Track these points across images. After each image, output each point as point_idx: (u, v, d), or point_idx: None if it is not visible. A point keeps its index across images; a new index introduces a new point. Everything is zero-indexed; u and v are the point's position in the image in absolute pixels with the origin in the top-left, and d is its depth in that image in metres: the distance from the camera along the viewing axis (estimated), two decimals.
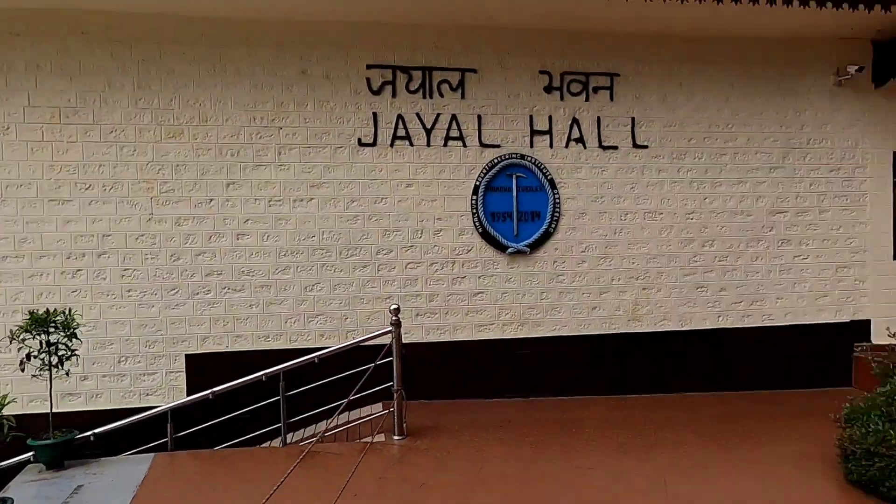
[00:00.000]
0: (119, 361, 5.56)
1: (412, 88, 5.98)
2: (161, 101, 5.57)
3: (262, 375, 4.96)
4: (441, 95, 6.03)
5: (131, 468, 4.46)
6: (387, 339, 5.01)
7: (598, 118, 6.31)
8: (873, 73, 6.63)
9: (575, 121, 6.27)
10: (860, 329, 6.77)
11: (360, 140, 5.89)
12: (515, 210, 6.17)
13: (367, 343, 5.20)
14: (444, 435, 5.01)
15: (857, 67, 6.44)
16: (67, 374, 4.57)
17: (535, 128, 6.20)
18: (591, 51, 6.23)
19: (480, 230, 6.08)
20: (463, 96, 6.07)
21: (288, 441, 5.19)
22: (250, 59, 5.69)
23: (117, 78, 5.50)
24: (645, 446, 4.69)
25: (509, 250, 6.11)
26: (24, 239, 5.41)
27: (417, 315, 6.02)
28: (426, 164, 6.03)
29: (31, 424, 4.59)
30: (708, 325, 6.53)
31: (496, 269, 6.17)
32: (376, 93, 5.91)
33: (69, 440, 4.55)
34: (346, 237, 5.90)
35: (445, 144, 6.05)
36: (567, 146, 6.27)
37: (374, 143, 5.91)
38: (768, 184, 6.61)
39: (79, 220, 5.47)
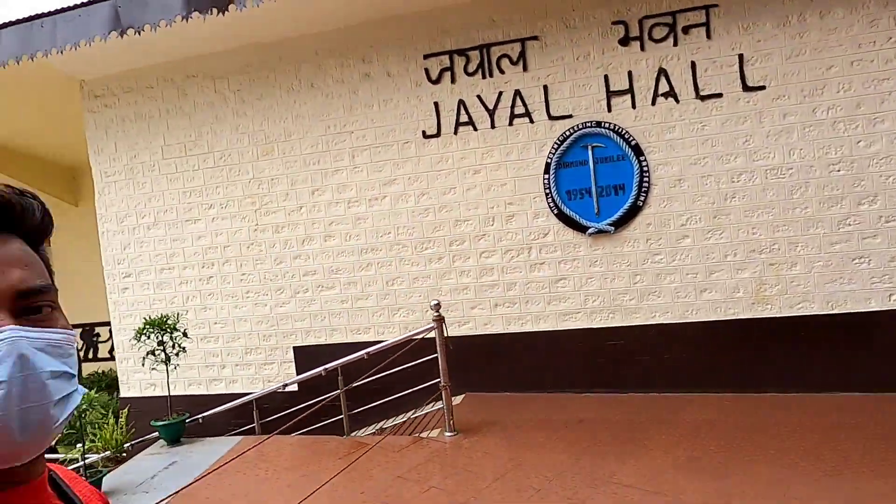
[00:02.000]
0: (245, 353, 6.07)
1: (470, 70, 5.28)
2: (254, 124, 5.83)
3: (321, 370, 4.94)
4: (501, 72, 5.23)
5: (221, 447, 4.82)
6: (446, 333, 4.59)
7: (693, 63, 4.84)
8: None
9: (662, 72, 4.91)
10: None
11: (424, 132, 5.42)
12: (594, 185, 5.09)
13: (423, 337, 4.82)
14: (499, 433, 4.36)
15: None
16: (175, 367, 5.13)
17: (611, 89, 5.01)
18: None
19: (556, 211, 5.16)
20: (525, 68, 5.18)
21: (363, 432, 5.13)
22: (320, 71, 5.61)
23: (221, 110, 5.90)
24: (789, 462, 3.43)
25: (590, 231, 5.09)
26: (172, 254, 6.19)
27: (496, 306, 5.39)
28: (492, 148, 5.31)
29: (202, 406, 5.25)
30: (873, 307, 4.65)
31: (578, 253, 5.20)
32: (435, 82, 5.37)
33: (181, 422, 5.12)
34: (420, 231, 5.52)
35: (511, 123, 5.24)
36: (654, 104, 4.94)
37: (437, 134, 5.39)
38: None
39: (206, 235, 6.06)
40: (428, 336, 4.66)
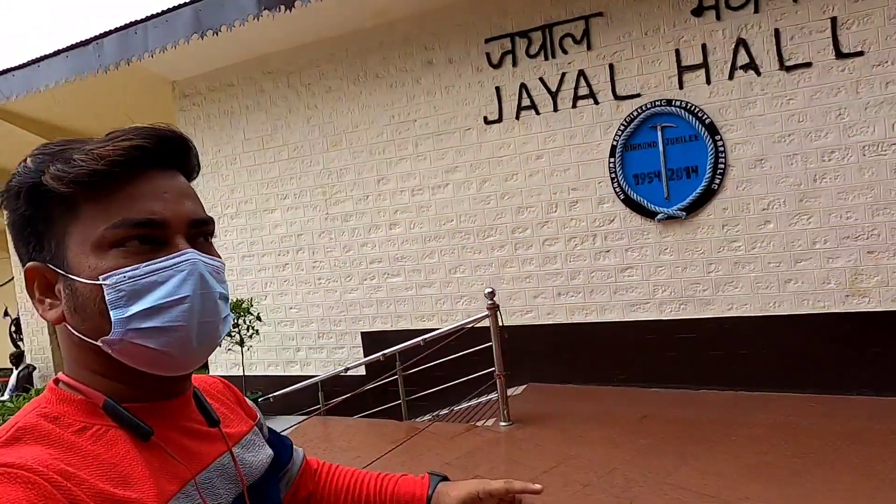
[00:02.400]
0: (318, 336, 6.24)
1: (532, 52, 5.05)
2: (323, 116, 5.94)
3: (380, 356, 4.95)
4: (564, 52, 4.96)
5: (285, 425, 4.99)
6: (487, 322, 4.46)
7: (776, 31, 4.33)
8: None
9: (741, 42, 4.43)
10: None
11: (486, 118, 5.26)
12: (664, 168, 4.71)
13: (480, 325, 4.70)
14: (555, 425, 4.13)
15: None
16: (248, 349, 5.37)
17: (683, 64, 4.60)
18: None
19: (622, 196, 4.84)
20: (589, 47, 4.88)
21: (422, 418, 5.10)
22: (384, 62, 5.61)
23: (294, 103, 6.07)
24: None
25: (659, 216, 4.72)
26: (252, 242, 6.48)
27: (559, 294, 5.16)
28: (555, 132, 5.07)
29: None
30: None
31: (646, 240, 4.85)
32: (497, 66, 5.19)
33: (253, 400, 5.36)
34: (482, 219, 5.38)
35: (574, 105, 4.97)
36: (731, 77, 4.48)
37: (499, 119, 5.22)
38: None
39: (281, 224, 6.27)
40: (486, 325, 4.54)
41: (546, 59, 4.95)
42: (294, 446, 0.95)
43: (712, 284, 4.58)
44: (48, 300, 0.62)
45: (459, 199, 5.37)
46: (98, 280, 0.60)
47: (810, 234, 4.29)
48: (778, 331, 4.40)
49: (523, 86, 5.04)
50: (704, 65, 4.47)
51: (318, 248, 6.02)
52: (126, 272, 0.60)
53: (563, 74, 4.90)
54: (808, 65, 4.20)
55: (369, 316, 5.86)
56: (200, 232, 0.68)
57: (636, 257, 4.80)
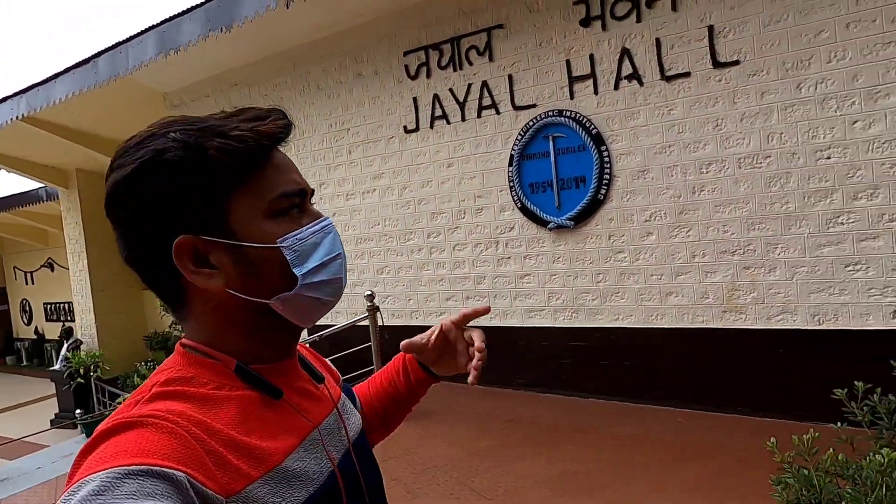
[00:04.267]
0: None
1: (443, 64, 5.18)
2: None
3: None
4: (470, 63, 5.05)
5: None
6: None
7: (657, 40, 4.21)
8: None
9: (625, 52, 4.35)
10: None
11: (405, 127, 5.45)
12: (555, 177, 4.70)
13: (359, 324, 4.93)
14: (417, 422, 4.33)
15: None
16: None
17: (573, 74, 4.57)
18: None
19: (519, 205, 4.87)
20: (491, 58, 4.94)
21: None
22: (323, 73, 5.93)
23: None
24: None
25: (550, 225, 4.72)
26: None
27: (468, 298, 5.29)
28: (463, 141, 5.18)
29: None
30: (871, 324, 3.68)
31: (541, 248, 4.86)
32: (414, 77, 5.36)
33: None
34: (403, 223, 5.59)
35: (479, 115, 5.05)
36: (617, 88, 4.40)
37: (416, 129, 5.39)
38: None
39: None
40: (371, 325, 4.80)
41: (455, 70, 5.08)
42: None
43: (600, 294, 4.57)
44: (205, 269, 0.64)
45: (385, 204, 5.63)
46: (276, 243, 0.65)
47: (689, 247, 4.19)
48: (660, 343, 4.35)
49: (436, 96, 5.20)
50: (592, 75, 4.45)
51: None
52: (296, 235, 0.66)
53: (469, 85, 5.02)
54: (687, 74, 4.09)
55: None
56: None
57: (533, 265, 4.87)
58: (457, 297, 5.26)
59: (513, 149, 4.81)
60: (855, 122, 3.60)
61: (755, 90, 3.87)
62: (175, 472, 0.52)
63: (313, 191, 0.74)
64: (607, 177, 4.42)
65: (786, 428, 1.81)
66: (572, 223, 4.57)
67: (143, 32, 6.09)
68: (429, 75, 5.22)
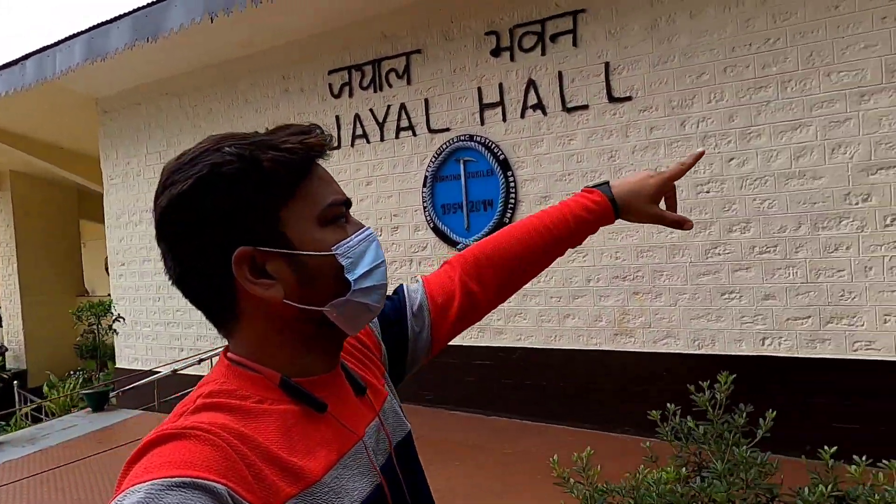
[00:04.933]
0: (196, 339, 6.68)
1: (364, 85, 5.30)
2: (205, 135, 6.39)
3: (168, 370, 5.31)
4: (390, 86, 5.18)
5: (117, 418, 5.43)
6: None
7: (560, 73, 4.41)
8: None
9: (531, 83, 4.53)
10: None
11: None
12: (465, 200, 4.84)
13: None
14: None
15: None
16: (145, 346, 5.83)
17: (484, 101, 4.74)
18: None
19: (432, 225, 4.99)
20: (409, 82, 5.08)
21: None
22: (252, 88, 5.98)
23: (183, 123, 6.51)
24: None
25: (459, 246, 4.85)
26: (151, 248, 6.99)
27: None
28: (382, 160, 5.29)
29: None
30: (744, 350, 3.90)
31: None
32: (337, 96, 5.47)
33: (103, 392, 5.81)
34: None
35: (397, 136, 5.18)
36: (523, 116, 4.59)
37: (338, 146, 5.50)
38: (858, 122, 3.51)
39: None
40: None
41: (375, 91, 5.19)
42: (409, 292, 0.94)
43: (504, 314, 4.70)
44: (264, 280, 0.65)
45: None
46: (331, 251, 0.67)
47: (585, 271, 4.35)
48: (558, 364, 4.48)
49: (357, 116, 5.30)
50: (501, 103, 4.61)
51: None
52: (348, 243, 0.68)
53: (389, 106, 5.13)
54: (586, 107, 4.28)
55: None
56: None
57: None
58: None
59: (427, 170, 4.93)
60: (731, 159, 3.83)
61: (645, 125, 4.08)
62: (216, 484, 0.53)
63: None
64: (513, 201, 4.57)
65: (667, 449, 1.95)
66: None
67: (71, 38, 6.04)
68: (351, 95, 5.32)
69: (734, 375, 2.07)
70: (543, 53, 4.40)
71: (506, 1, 4.50)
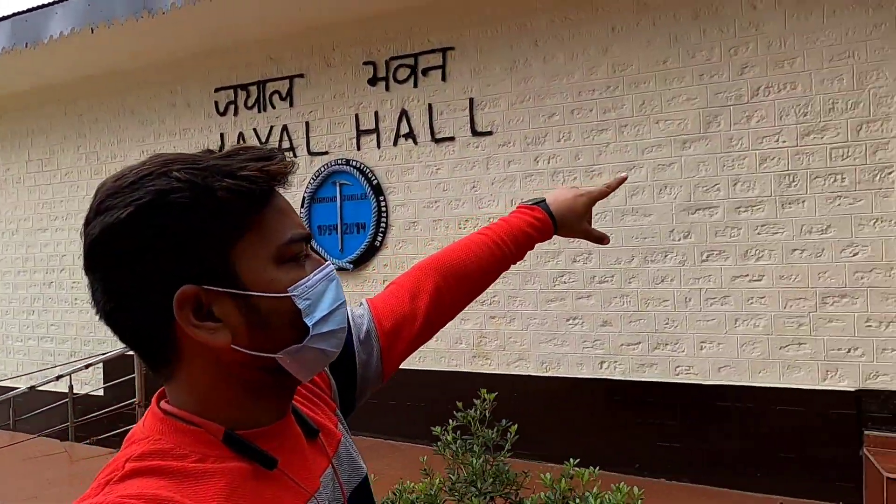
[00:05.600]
0: (71, 355, 6.42)
1: (249, 105, 5.35)
2: (90, 145, 6.18)
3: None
4: (273, 107, 5.26)
5: None
6: None
7: (430, 106, 4.63)
8: None
9: (403, 113, 4.73)
10: (885, 405, 3.43)
11: None
12: (339, 222, 4.96)
13: None
14: None
15: None
16: (15, 363, 5.53)
17: (361, 128, 4.90)
18: (421, 26, 4.62)
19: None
20: (291, 104, 5.18)
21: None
22: (137, 100, 5.89)
23: (67, 131, 6.30)
24: None
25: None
26: (27, 258, 6.68)
27: None
28: None
29: None
30: (584, 374, 4.17)
31: None
32: (223, 114, 5.49)
33: None
34: None
35: None
36: (395, 144, 4.77)
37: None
38: (680, 166, 3.89)
39: (50, 243, 6.39)
40: None
41: (259, 111, 5.24)
42: (354, 318, 0.87)
43: None
44: (209, 324, 0.58)
45: None
46: (287, 293, 0.60)
47: None
48: (421, 384, 4.59)
49: (241, 134, 5.32)
50: (376, 130, 4.76)
51: (77, 269, 6.22)
52: (306, 283, 0.61)
53: (272, 127, 5.19)
54: (452, 139, 4.49)
55: (111, 339, 6.03)
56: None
57: None
58: None
59: (305, 191, 5.01)
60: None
61: (504, 159, 4.32)
62: None
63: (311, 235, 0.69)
64: (384, 225, 4.70)
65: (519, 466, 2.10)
66: (352, 266, 4.80)
67: None
68: (236, 113, 5.35)
69: (496, 393, 2.24)
70: (416, 86, 4.60)
71: (383, 33, 4.68)
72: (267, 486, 0.60)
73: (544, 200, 1.07)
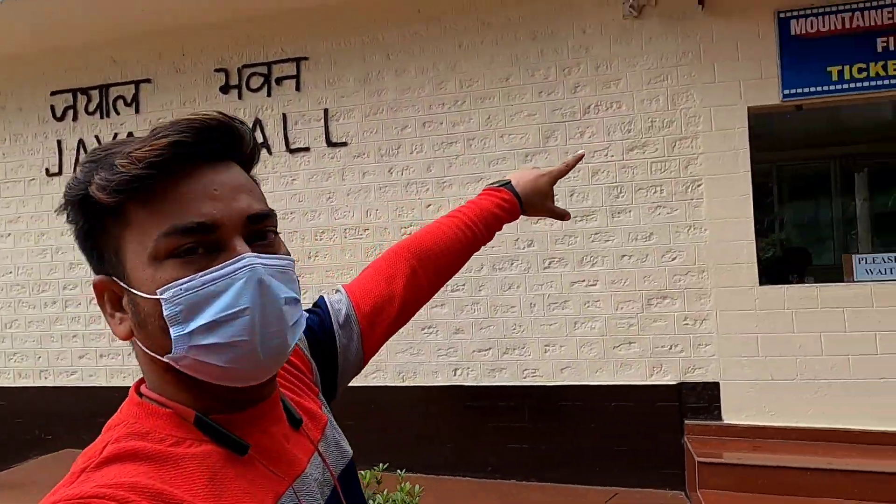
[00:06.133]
0: None
1: (90, 110, 4.98)
2: None
3: None
4: (117, 113, 4.94)
5: None
6: None
7: (284, 115, 4.56)
8: None
9: (258, 122, 4.62)
10: (700, 396, 3.78)
11: (48, 170, 5.07)
12: None
13: None
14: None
15: None
16: None
17: None
18: (275, 34, 4.56)
19: None
20: (138, 111, 4.89)
21: None
22: None
23: None
24: None
25: None
26: None
27: (101, 356, 4.97)
28: None
29: None
30: (439, 381, 4.25)
31: None
32: (60, 119, 5.07)
33: None
34: (38, 272, 5.11)
35: None
36: None
37: (60, 173, 5.03)
38: None
39: None
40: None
41: (102, 117, 4.89)
42: (332, 303, 0.87)
43: None
44: (118, 314, 0.58)
45: (20, 251, 5.09)
46: (156, 294, 0.54)
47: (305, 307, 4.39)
48: None
49: (81, 141, 4.93)
50: None
51: None
52: (182, 284, 0.54)
53: (116, 135, 4.85)
54: (308, 149, 4.42)
55: None
56: (261, 228, 0.60)
57: None
58: (90, 356, 4.87)
59: None
60: (429, 205, 4.18)
61: (359, 170, 4.32)
62: None
63: (262, 213, 0.60)
64: None
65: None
66: None
67: None
68: (76, 118, 4.96)
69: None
70: (269, 95, 4.50)
71: (235, 41, 4.55)
72: (244, 472, 0.58)
73: (510, 182, 1.09)
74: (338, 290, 0.91)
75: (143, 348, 0.58)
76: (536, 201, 1.10)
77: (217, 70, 4.61)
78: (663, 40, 3.80)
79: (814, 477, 3.12)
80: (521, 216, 1.11)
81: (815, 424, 3.50)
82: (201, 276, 0.55)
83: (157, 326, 0.55)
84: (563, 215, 1.17)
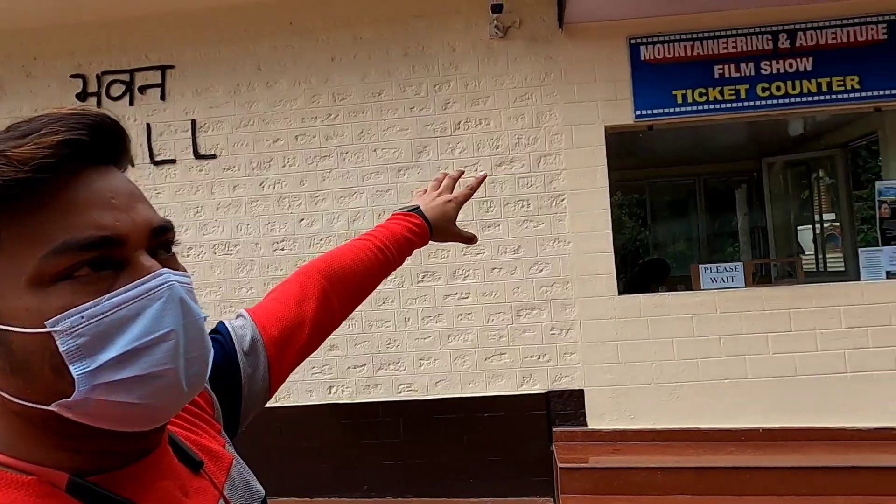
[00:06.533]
0: None
1: None
2: None
3: None
4: None
5: None
6: None
7: (148, 126, 4.34)
8: (560, 6, 3.92)
9: None
10: (567, 403, 3.92)
11: None
12: None
13: None
14: None
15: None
16: None
17: None
18: (139, 40, 4.33)
19: None
20: None
21: None
22: None
23: None
24: None
25: None
26: None
27: None
28: None
29: None
30: (314, 400, 4.15)
31: None
32: None
33: None
34: None
35: None
36: None
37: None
38: (397, 192, 4.13)
39: None
40: None
41: None
42: (235, 329, 0.77)
43: None
44: None
45: None
46: (45, 327, 0.43)
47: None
48: None
49: None
50: None
51: None
52: (84, 311, 0.44)
53: None
54: (174, 161, 4.20)
55: None
56: (161, 242, 0.51)
57: None
58: None
59: None
60: (301, 219, 4.08)
61: (229, 183, 4.16)
62: None
63: (164, 226, 0.51)
64: None
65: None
66: None
67: None
68: None
69: None
70: (132, 104, 4.26)
71: (93, 45, 4.28)
72: None
73: (418, 207, 1.08)
74: (240, 315, 0.82)
75: (14, 399, 0.46)
76: (444, 226, 1.11)
77: (73, 76, 4.31)
78: (528, 61, 3.95)
79: (664, 475, 3.29)
80: (430, 241, 1.10)
81: (670, 425, 3.70)
82: (109, 299, 0.45)
83: (45, 367, 0.45)
84: (470, 239, 1.17)
